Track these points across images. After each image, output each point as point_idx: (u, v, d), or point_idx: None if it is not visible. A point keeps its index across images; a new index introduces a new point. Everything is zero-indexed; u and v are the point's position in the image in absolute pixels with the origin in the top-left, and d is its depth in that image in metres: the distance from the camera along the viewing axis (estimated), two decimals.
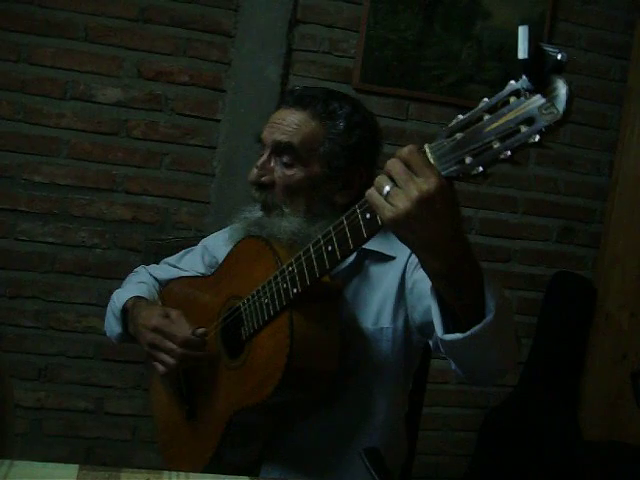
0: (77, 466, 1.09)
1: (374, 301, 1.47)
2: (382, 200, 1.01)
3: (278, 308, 1.31)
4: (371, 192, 1.04)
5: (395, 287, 1.46)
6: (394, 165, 1.01)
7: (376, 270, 1.49)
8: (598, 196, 3.13)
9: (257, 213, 1.49)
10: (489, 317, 1.07)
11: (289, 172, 1.45)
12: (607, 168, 3.13)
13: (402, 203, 0.98)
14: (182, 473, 1.13)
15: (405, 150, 1.01)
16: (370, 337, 1.45)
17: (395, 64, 2.85)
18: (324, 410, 1.45)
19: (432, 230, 1.00)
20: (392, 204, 1.00)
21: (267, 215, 1.47)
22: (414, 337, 1.48)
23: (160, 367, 1.47)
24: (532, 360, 3.02)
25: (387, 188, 1.01)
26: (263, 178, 1.46)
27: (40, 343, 2.69)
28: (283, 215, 1.45)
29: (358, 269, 1.50)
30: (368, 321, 1.46)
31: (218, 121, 2.77)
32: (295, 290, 1.27)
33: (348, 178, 1.47)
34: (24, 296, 2.67)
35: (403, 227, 1.00)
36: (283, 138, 1.45)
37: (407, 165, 1.00)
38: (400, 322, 1.46)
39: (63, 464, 1.09)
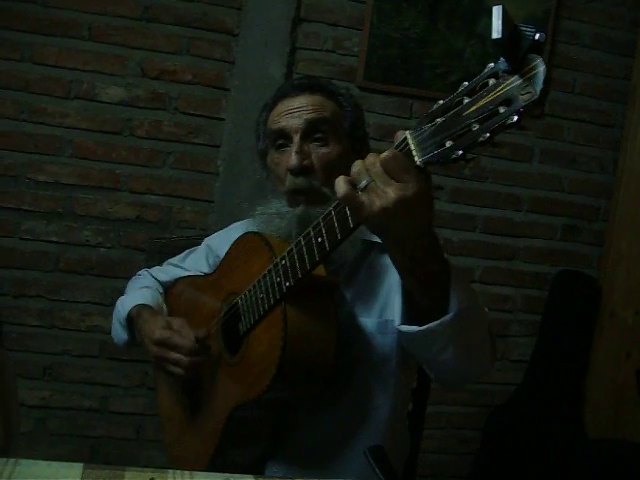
0: (82, 465, 1.09)
1: (380, 294, 1.47)
2: (355, 194, 1.02)
3: (272, 302, 1.31)
4: (344, 182, 1.04)
5: (399, 279, 1.46)
6: (374, 165, 1.02)
7: (381, 262, 1.49)
8: (602, 194, 3.12)
9: (287, 208, 1.46)
10: (449, 315, 1.09)
11: (326, 150, 1.47)
12: (611, 166, 3.12)
13: (378, 200, 0.99)
14: (186, 472, 1.13)
15: (385, 155, 1.01)
16: (375, 330, 1.46)
17: (399, 62, 2.85)
18: (327, 405, 1.45)
19: (404, 228, 1.02)
20: (367, 198, 1.01)
21: (309, 203, 1.44)
22: None
23: (172, 374, 1.48)
24: (536, 358, 3.02)
25: (364, 182, 1.01)
26: (305, 162, 1.45)
27: (44, 342, 2.70)
28: (326, 199, 1.42)
29: (363, 261, 1.50)
30: (373, 314, 1.46)
31: (222, 120, 2.77)
32: (288, 284, 1.27)
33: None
34: (28, 295, 2.68)
35: (376, 221, 1.01)
36: (314, 118, 1.47)
37: (387, 169, 1.00)
38: None
39: (68, 463, 1.09)
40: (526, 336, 3.04)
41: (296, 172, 1.44)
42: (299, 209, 1.44)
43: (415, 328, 1.12)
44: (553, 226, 3.09)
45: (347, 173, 1.48)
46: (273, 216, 1.47)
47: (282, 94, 1.54)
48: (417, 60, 2.86)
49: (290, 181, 1.46)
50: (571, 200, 3.10)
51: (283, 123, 1.48)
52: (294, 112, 1.48)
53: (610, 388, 3.06)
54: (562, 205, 3.09)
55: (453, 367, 1.23)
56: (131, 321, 1.63)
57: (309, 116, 1.47)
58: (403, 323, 1.19)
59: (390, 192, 0.99)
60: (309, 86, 1.52)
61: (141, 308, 1.61)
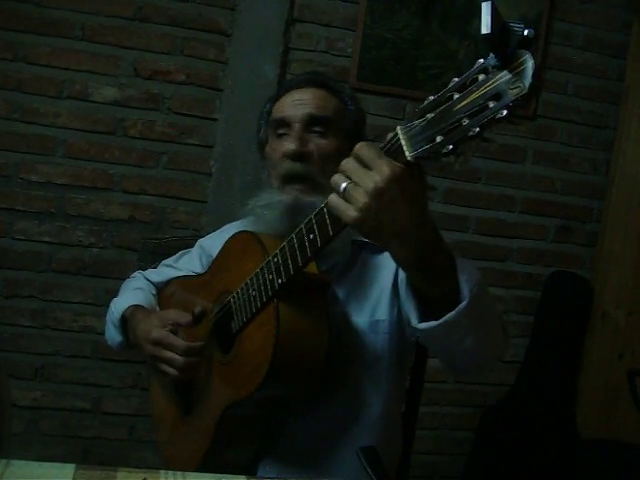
0: (74, 465, 1.09)
1: (371, 294, 1.48)
2: (340, 200, 1.02)
3: (265, 299, 1.30)
4: (331, 196, 1.05)
5: (391, 279, 1.47)
6: (347, 163, 1.03)
7: (372, 262, 1.50)
8: (595, 195, 3.13)
9: (278, 197, 1.46)
10: (463, 304, 1.08)
11: (324, 141, 1.48)
12: (604, 167, 3.13)
13: (360, 197, 0.99)
14: (179, 472, 1.13)
15: (356, 147, 1.03)
16: (367, 330, 1.46)
17: (392, 63, 2.85)
18: (320, 404, 1.45)
19: (394, 219, 1.00)
20: (350, 201, 1.00)
21: (303, 191, 1.44)
22: (407, 330, 1.48)
23: (166, 376, 1.47)
24: (529, 359, 3.02)
25: (343, 185, 1.02)
26: (304, 148, 1.46)
27: (37, 342, 2.69)
28: (322, 190, 1.41)
29: (354, 261, 1.50)
30: (365, 314, 1.47)
31: (215, 120, 2.76)
32: (280, 281, 1.27)
33: None
34: (21, 295, 2.67)
35: (365, 222, 1.01)
36: (317, 112, 1.49)
37: (359, 161, 1.01)
38: (395, 314, 1.47)
39: (60, 463, 1.09)
40: (519, 337, 3.05)
41: (295, 157, 1.45)
42: (290, 197, 1.44)
43: (434, 323, 1.11)
44: (546, 227, 3.10)
45: None
46: (263, 209, 1.47)
47: (289, 86, 1.57)
48: (410, 61, 2.86)
49: (287, 165, 1.46)
50: (564, 201, 3.11)
51: (287, 112, 1.50)
52: (298, 103, 1.50)
53: (602, 389, 3.07)
54: (555, 206, 3.10)
55: (473, 354, 1.22)
56: (125, 322, 1.63)
57: (312, 109, 1.49)
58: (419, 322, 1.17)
59: (368, 182, 0.99)
60: (316, 81, 1.55)
61: (135, 309, 1.61)
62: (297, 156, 1.45)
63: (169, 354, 1.44)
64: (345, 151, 1.48)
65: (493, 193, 3.03)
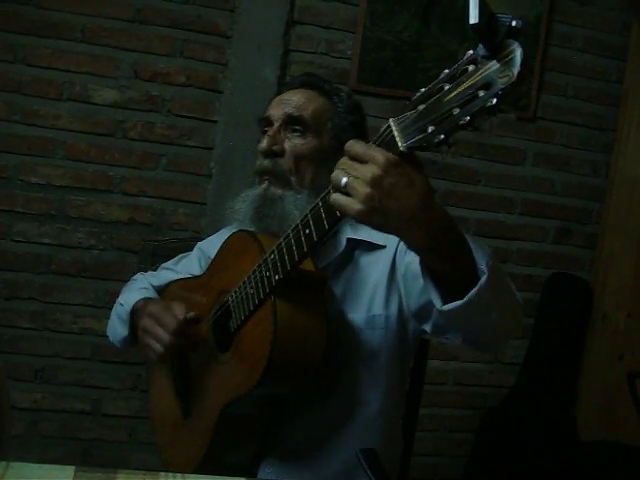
0: (73, 467, 1.09)
1: (365, 290, 1.48)
2: (342, 196, 1.03)
3: (262, 297, 1.31)
4: (333, 193, 1.06)
5: (386, 274, 1.47)
6: (344, 161, 1.05)
7: (366, 259, 1.50)
8: (595, 197, 3.13)
9: (256, 190, 1.51)
10: (484, 278, 1.09)
11: (301, 141, 1.50)
12: (604, 169, 3.13)
13: (361, 188, 1.00)
14: (178, 474, 1.13)
15: (345, 146, 1.05)
16: (362, 326, 1.46)
17: (392, 65, 2.86)
18: (318, 401, 1.45)
19: (399, 204, 1.01)
20: (352, 194, 1.02)
21: (273, 186, 1.49)
22: (410, 326, 1.48)
23: (151, 353, 1.48)
24: (529, 361, 3.02)
25: (344, 180, 1.03)
26: (274, 147, 1.49)
27: (36, 344, 2.69)
28: (290, 186, 1.47)
29: (348, 259, 1.51)
30: (361, 310, 1.47)
31: (215, 122, 2.77)
32: (277, 277, 1.28)
33: None
34: (20, 297, 2.67)
35: (371, 212, 1.01)
36: (294, 111, 1.51)
37: (352, 157, 1.04)
38: (393, 310, 1.47)
39: (59, 465, 1.09)
40: (518, 339, 3.05)
41: (265, 154, 1.50)
42: (260, 188, 1.49)
43: (459, 302, 1.11)
44: (545, 229, 3.10)
45: (319, 170, 1.49)
46: (239, 203, 1.53)
47: (283, 87, 1.62)
48: (410, 63, 2.86)
49: (258, 161, 1.52)
50: (563, 203, 3.11)
51: (269, 112, 1.55)
52: (282, 103, 1.54)
53: (602, 390, 3.06)
54: (555, 208, 3.10)
55: (499, 327, 1.23)
56: (133, 315, 1.63)
57: (290, 109, 1.52)
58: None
59: (366, 173, 1.00)
60: (307, 82, 1.58)
61: (147, 300, 1.62)
62: (267, 153, 1.50)
63: (158, 330, 1.44)
64: (332, 151, 1.50)
65: (493, 195, 3.03)
